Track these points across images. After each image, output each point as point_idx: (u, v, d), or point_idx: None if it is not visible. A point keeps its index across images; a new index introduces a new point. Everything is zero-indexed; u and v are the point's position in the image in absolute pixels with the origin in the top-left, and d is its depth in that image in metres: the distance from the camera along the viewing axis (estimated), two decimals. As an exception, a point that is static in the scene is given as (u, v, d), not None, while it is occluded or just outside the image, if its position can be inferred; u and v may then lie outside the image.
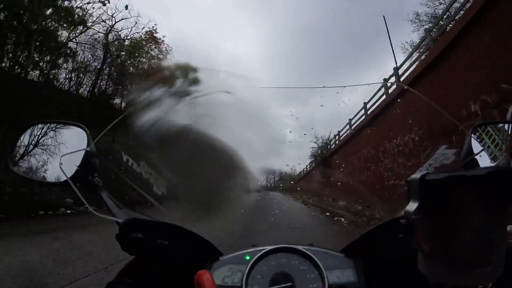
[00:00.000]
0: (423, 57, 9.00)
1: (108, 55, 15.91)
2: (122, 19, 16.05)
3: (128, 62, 16.55)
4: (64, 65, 14.47)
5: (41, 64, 12.76)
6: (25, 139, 0.78)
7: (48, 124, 0.86)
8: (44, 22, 11.70)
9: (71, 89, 15.06)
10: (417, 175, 0.29)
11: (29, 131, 0.79)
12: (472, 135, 0.76)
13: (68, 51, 13.79)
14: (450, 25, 7.65)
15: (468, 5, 6.75)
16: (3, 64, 11.23)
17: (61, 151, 0.69)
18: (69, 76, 15.10)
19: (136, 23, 16.67)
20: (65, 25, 12.81)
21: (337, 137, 16.03)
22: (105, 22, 15.18)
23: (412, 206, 0.30)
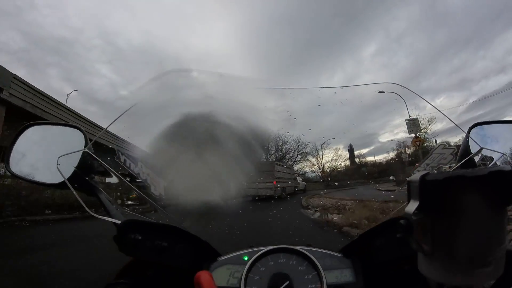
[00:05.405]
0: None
1: None
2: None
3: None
4: None
5: None
6: (22, 140, 0.77)
7: (45, 126, 0.85)
8: None
9: None
10: (417, 175, 0.29)
11: (26, 132, 0.78)
12: (470, 135, 0.76)
13: None
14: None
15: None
16: None
17: (58, 153, 0.69)
18: None
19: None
20: None
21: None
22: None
23: (412, 206, 0.30)
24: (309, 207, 10.14)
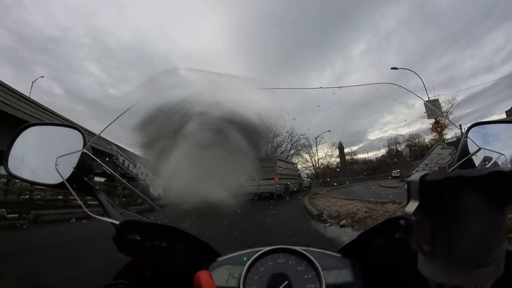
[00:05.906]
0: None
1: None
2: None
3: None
4: None
5: None
6: (20, 141, 0.77)
7: (44, 126, 0.85)
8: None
9: None
10: (416, 176, 0.29)
11: (24, 133, 0.78)
12: (468, 135, 0.76)
13: None
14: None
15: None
16: None
17: (57, 153, 0.68)
18: None
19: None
20: None
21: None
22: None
23: (411, 206, 0.30)
24: (324, 216, 6.54)
